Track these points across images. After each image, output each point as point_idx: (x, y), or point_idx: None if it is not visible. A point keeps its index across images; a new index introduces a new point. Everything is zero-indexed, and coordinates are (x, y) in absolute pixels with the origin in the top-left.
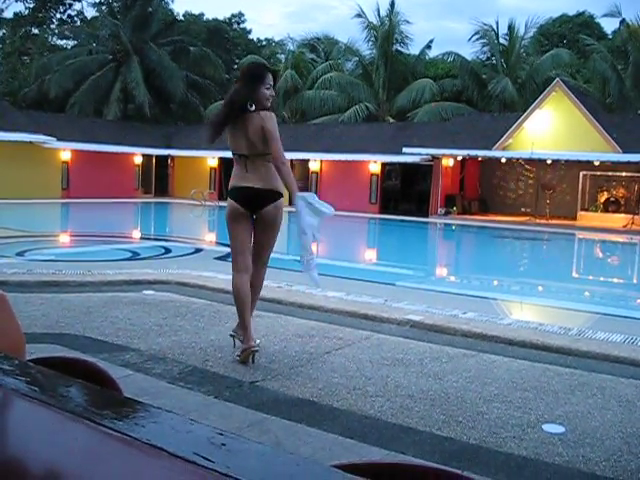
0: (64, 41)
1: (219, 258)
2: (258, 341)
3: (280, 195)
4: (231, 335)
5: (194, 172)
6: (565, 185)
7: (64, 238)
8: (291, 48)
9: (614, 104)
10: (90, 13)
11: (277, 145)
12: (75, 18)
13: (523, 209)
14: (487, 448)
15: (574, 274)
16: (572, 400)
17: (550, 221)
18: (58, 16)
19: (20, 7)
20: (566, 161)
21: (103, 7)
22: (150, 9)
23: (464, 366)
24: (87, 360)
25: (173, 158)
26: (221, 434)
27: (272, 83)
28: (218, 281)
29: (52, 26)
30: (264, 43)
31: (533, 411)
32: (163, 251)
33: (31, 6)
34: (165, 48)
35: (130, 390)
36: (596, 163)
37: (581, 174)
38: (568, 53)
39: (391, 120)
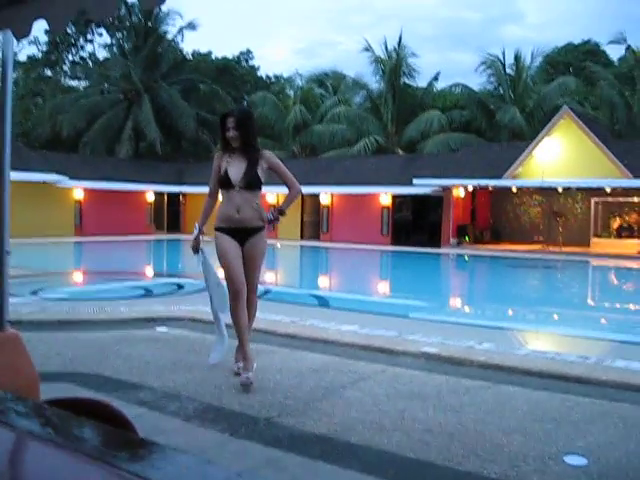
0: (76, 82)
1: None
2: (250, 374)
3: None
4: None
5: None
6: (577, 212)
7: (77, 276)
8: (300, 84)
9: (622, 130)
10: (101, 54)
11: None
12: (87, 59)
13: (536, 237)
14: None
15: (590, 301)
16: (593, 430)
17: (563, 249)
18: (70, 58)
19: (33, 50)
20: (577, 188)
21: (114, 48)
22: (160, 49)
23: (482, 398)
24: (101, 400)
25: (185, 195)
26: (239, 475)
27: (232, 124)
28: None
29: (64, 67)
30: (273, 80)
31: (554, 442)
32: (176, 288)
33: (44, 49)
34: (175, 87)
35: (145, 428)
36: (607, 190)
37: (593, 201)
38: (575, 81)
39: (400, 152)
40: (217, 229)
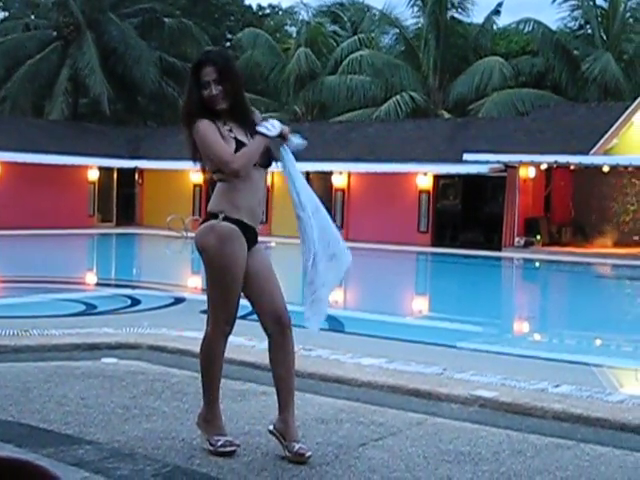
0: None
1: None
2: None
3: (210, 215)
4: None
5: (171, 191)
6: None
7: None
8: (305, 18)
9: None
10: None
11: (213, 151)
12: None
13: (636, 237)
14: None
15: None
16: None
17: None
18: None
19: None
20: None
21: None
22: None
23: (558, 462)
24: (24, 459)
25: (142, 172)
26: None
27: (212, 76)
28: None
29: None
30: (267, 11)
31: None
32: (129, 302)
33: None
34: (130, 20)
35: None
36: None
37: None
38: None
39: (446, 115)
40: (235, 222)
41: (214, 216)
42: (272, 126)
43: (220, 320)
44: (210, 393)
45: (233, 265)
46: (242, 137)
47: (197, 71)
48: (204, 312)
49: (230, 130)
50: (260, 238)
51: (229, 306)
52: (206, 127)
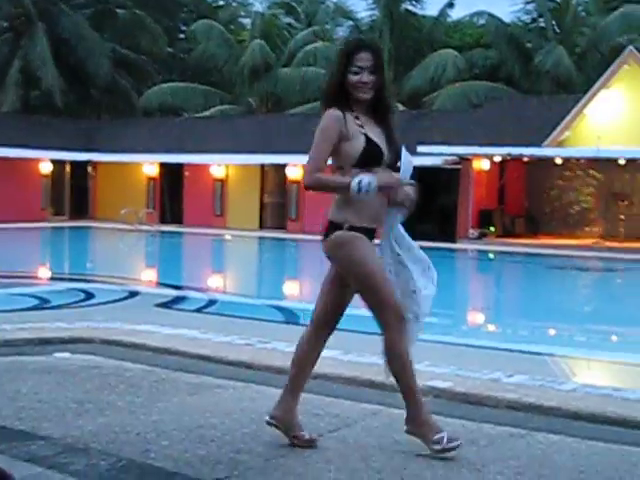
0: None
1: (162, 305)
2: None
3: (334, 226)
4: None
5: (125, 184)
6: None
7: None
8: (259, 9)
9: None
10: None
11: (312, 151)
12: None
13: (588, 228)
14: None
15: None
16: None
17: (626, 244)
18: None
19: None
20: None
21: None
22: None
23: (511, 451)
24: None
25: (95, 165)
26: None
27: (367, 63)
28: (161, 338)
29: None
30: (221, 3)
31: None
32: (83, 296)
33: None
34: (83, 11)
35: None
36: None
37: None
38: None
39: (400, 107)
40: (358, 229)
41: (337, 226)
42: (367, 182)
43: (391, 318)
44: (416, 393)
45: (369, 262)
46: (375, 136)
47: (351, 54)
48: (159, 305)
49: (361, 126)
50: (215, 231)
51: (388, 300)
52: (330, 125)
